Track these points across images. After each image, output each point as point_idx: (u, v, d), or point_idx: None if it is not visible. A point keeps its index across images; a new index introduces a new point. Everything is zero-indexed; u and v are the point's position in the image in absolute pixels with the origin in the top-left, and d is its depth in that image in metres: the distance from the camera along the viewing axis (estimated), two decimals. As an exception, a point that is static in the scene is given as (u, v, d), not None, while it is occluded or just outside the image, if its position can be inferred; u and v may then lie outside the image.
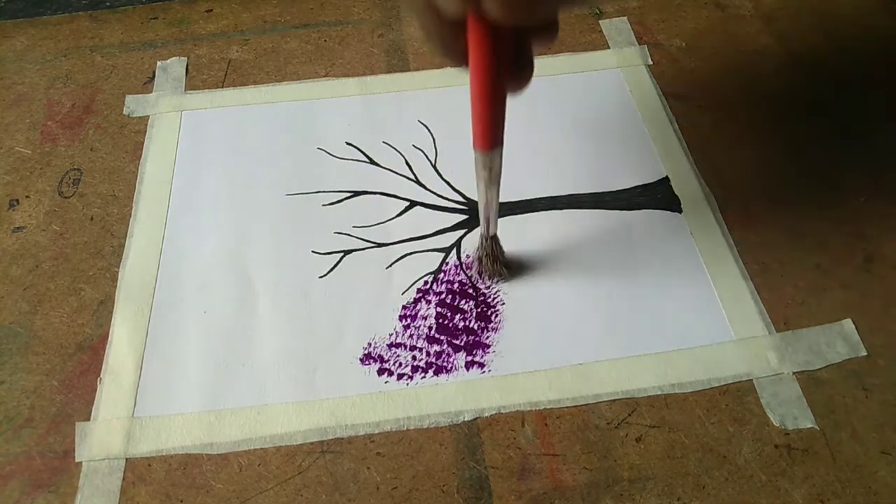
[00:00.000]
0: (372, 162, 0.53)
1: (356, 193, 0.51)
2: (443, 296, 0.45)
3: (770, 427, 0.40)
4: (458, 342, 0.43)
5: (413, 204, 0.50)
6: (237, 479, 0.38)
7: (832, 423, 0.40)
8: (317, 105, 0.57)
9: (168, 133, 0.55)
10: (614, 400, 0.41)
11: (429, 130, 0.54)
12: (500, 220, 0.49)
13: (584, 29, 0.61)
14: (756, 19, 0.62)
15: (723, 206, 0.49)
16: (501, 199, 0.50)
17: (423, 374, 0.42)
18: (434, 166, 0.52)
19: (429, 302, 0.45)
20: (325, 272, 0.47)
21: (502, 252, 0.45)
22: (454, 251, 0.48)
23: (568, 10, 0.60)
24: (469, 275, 0.46)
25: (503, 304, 0.45)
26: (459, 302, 0.45)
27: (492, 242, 0.44)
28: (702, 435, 0.40)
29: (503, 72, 0.33)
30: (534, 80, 0.57)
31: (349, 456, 0.39)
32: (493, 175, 0.39)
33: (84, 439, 0.40)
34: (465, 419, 0.40)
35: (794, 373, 0.41)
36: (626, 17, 0.62)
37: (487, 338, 0.43)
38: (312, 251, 0.48)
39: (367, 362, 0.43)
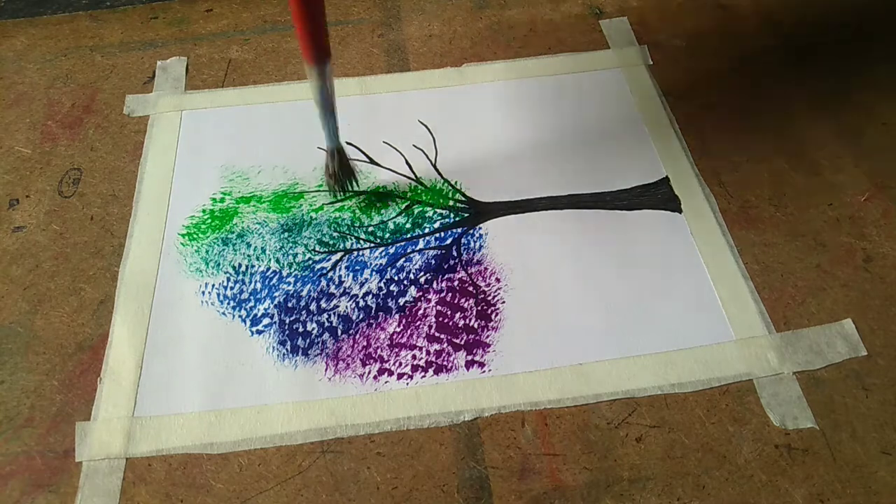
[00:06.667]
0: (372, 162, 0.53)
1: (356, 193, 0.51)
2: (443, 294, 0.45)
3: (770, 427, 0.40)
4: (458, 341, 0.43)
5: (413, 203, 0.50)
6: (237, 478, 0.38)
7: (832, 423, 0.40)
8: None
9: (168, 133, 0.55)
10: (614, 400, 0.41)
11: (429, 130, 0.54)
12: (500, 220, 0.49)
13: (584, 29, 0.61)
14: (756, 19, 0.62)
15: (723, 206, 0.49)
16: (502, 199, 0.50)
17: (423, 374, 0.42)
18: (434, 166, 0.52)
19: (429, 300, 0.45)
20: (325, 271, 0.47)
21: (347, 167, 0.47)
22: (454, 249, 0.48)
23: None
24: (470, 273, 0.46)
25: (503, 302, 0.45)
26: (460, 300, 0.45)
27: (334, 157, 0.46)
28: (702, 435, 0.40)
29: None
30: (534, 79, 0.57)
31: (349, 456, 0.39)
32: (323, 91, 0.40)
33: (84, 439, 0.40)
34: (466, 419, 0.40)
35: (794, 373, 0.41)
36: (625, 17, 0.62)
37: (488, 336, 0.43)
38: (313, 250, 0.48)
39: (367, 362, 0.43)
